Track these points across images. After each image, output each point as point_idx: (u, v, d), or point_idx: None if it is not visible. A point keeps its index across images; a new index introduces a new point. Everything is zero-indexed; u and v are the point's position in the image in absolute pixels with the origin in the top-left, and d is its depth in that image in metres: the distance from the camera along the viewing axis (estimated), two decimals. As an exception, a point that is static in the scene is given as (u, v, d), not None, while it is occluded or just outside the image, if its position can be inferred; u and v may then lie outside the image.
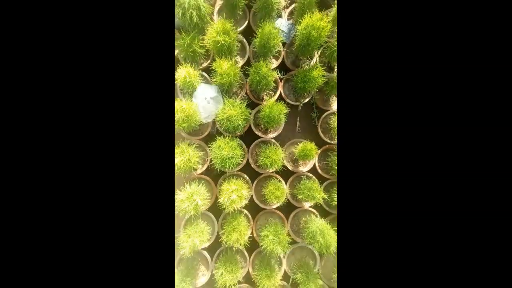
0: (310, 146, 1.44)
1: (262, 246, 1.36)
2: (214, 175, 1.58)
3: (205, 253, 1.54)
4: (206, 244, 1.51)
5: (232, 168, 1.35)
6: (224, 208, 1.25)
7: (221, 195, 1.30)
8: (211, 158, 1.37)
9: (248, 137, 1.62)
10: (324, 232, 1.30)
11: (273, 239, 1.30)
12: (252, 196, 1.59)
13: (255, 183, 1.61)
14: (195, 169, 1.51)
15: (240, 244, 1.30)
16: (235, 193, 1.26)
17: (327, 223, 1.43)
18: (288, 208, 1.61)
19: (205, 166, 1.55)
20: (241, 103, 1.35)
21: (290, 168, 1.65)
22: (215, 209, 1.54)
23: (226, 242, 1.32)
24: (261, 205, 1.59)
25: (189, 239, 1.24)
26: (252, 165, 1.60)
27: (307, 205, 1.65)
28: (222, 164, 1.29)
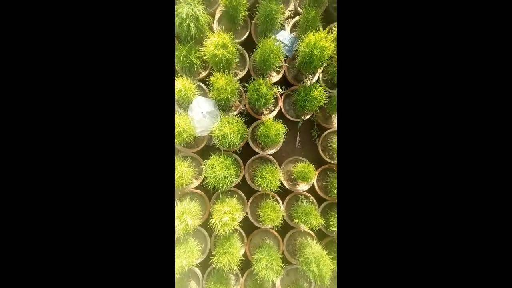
0: (309, 168, 1.38)
1: (254, 270, 1.31)
2: (208, 190, 1.54)
3: (196, 269, 1.49)
4: (198, 261, 1.47)
5: (226, 187, 1.30)
6: (217, 230, 1.21)
7: (213, 216, 1.25)
8: (204, 177, 1.32)
9: (246, 152, 1.57)
10: (319, 261, 1.25)
11: (266, 265, 1.25)
12: (247, 213, 1.54)
13: (250, 200, 1.56)
14: (187, 184, 1.47)
15: (231, 267, 1.25)
16: (227, 215, 1.21)
17: (323, 248, 1.38)
18: (284, 227, 1.56)
19: (199, 181, 1.51)
20: (238, 120, 1.30)
21: (287, 186, 1.59)
22: (208, 224, 1.49)
23: (217, 264, 1.27)
24: (256, 224, 1.54)
25: (177, 260, 1.20)
26: (248, 182, 1.55)
27: (303, 226, 1.59)
28: (216, 184, 1.24)
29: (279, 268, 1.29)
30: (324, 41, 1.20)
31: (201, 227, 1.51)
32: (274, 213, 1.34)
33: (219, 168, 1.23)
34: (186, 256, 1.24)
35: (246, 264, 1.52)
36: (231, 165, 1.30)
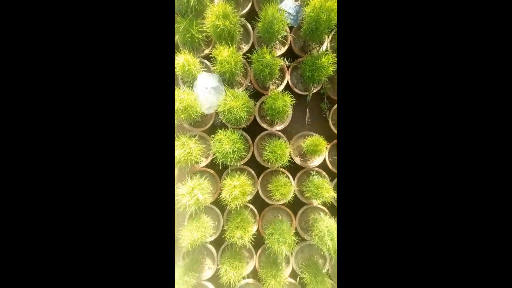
0: (319, 141, 1.33)
1: (267, 244, 1.31)
2: (218, 170, 1.53)
3: (210, 246, 1.51)
4: (212, 238, 1.48)
5: (235, 162, 1.28)
6: (227, 204, 1.21)
7: (223, 190, 1.24)
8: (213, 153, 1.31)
9: (253, 129, 1.54)
10: (333, 234, 1.22)
11: (278, 238, 1.24)
12: (258, 190, 1.52)
13: (261, 177, 1.54)
14: (198, 162, 1.47)
15: (243, 242, 1.25)
16: (238, 189, 1.20)
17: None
18: (296, 204, 1.53)
19: (209, 159, 1.50)
20: (243, 94, 1.27)
21: (298, 162, 1.55)
22: (221, 202, 1.50)
23: (230, 239, 1.27)
24: (268, 201, 1.53)
25: (190, 233, 1.21)
26: (258, 159, 1.53)
27: (316, 202, 1.56)
28: (224, 159, 1.23)
29: (291, 242, 1.27)
30: (331, 2, 1.13)
31: (214, 205, 1.51)
32: (285, 187, 1.32)
33: (227, 142, 1.21)
34: (198, 230, 1.25)
35: (259, 242, 1.52)
36: (238, 140, 1.28)
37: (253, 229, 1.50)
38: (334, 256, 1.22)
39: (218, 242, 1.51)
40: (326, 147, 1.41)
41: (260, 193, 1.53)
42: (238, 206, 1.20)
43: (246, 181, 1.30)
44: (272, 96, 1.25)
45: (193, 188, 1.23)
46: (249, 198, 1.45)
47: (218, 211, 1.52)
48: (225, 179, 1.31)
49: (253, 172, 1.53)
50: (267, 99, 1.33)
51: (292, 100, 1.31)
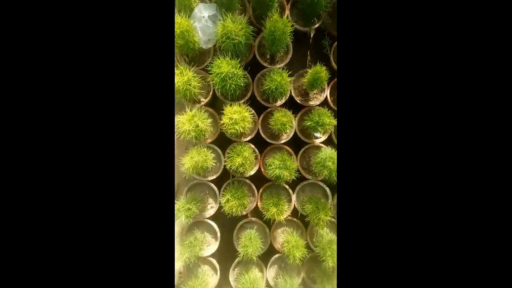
0: (322, 69, 1.30)
1: (268, 172, 1.30)
2: (218, 108, 1.52)
3: (212, 185, 1.52)
4: (214, 176, 1.49)
5: (233, 92, 1.27)
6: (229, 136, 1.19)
7: (223, 119, 1.23)
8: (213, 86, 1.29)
9: (253, 70, 1.52)
10: (335, 158, 1.20)
11: (279, 165, 1.23)
12: (258, 130, 1.51)
13: (261, 117, 1.53)
14: (198, 98, 1.46)
15: (244, 170, 1.25)
16: (237, 115, 1.19)
17: (338, 152, 1.32)
18: (297, 145, 1.52)
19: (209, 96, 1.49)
20: (241, 18, 1.24)
21: (299, 101, 1.53)
22: (221, 141, 1.50)
23: (230, 168, 1.27)
24: (269, 140, 1.52)
25: (191, 160, 1.21)
26: (258, 98, 1.51)
27: (318, 141, 1.54)
28: (223, 85, 1.21)
29: (293, 170, 1.27)
30: None
31: (214, 145, 1.51)
32: (285, 117, 1.30)
33: (225, 66, 1.19)
34: (199, 158, 1.24)
35: (261, 180, 1.52)
36: (237, 64, 1.24)
37: (255, 168, 1.50)
38: (335, 179, 1.21)
39: (220, 183, 1.52)
40: (326, 79, 1.37)
41: (261, 133, 1.52)
42: (238, 133, 1.19)
43: (245, 112, 1.29)
44: (272, 20, 1.21)
45: (193, 116, 1.22)
46: (248, 131, 1.43)
47: (220, 151, 1.52)
48: (225, 107, 1.28)
49: (253, 111, 1.52)
50: (265, 27, 1.30)
51: (291, 32, 1.28)
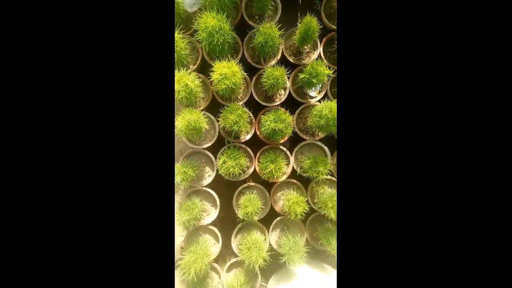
0: (312, 19, 1.25)
1: (263, 130, 1.27)
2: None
3: (208, 153, 1.49)
4: (209, 144, 1.46)
5: (221, 49, 1.23)
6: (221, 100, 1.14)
7: (212, 75, 1.19)
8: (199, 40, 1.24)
9: (241, 30, 1.47)
10: (332, 107, 1.17)
11: (274, 119, 1.20)
12: (251, 93, 1.48)
13: (253, 79, 1.49)
14: (187, 63, 1.41)
15: (239, 128, 1.21)
16: (227, 70, 1.15)
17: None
18: (292, 104, 1.49)
19: (198, 61, 1.45)
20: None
21: (292, 61, 1.49)
22: (213, 108, 1.46)
23: (224, 128, 1.24)
24: (263, 103, 1.48)
25: (183, 120, 1.17)
26: (249, 60, 1.47)
27: (313, 100, 1.50)
28: (210, 40, 1.17)
29: (289, 124, 1.24)
30: None
31: (208, 112, 1.47)
32: (277, 71, 1.26)
33: (211, 21, 1.15)
34: (192, 117, 1.19)
35: (257, 146, 1.49)
36: (224, 18, 1.20)
37: (251, 133, 1.47)
38: (334, 130, 1.18)
39: (216, 151, 1.49)
40: (318, 33, 1.32)
41: (254, 96, 1.49)
42: (228, 86, 1.15)
43: (235, 67, 1.24)
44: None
45: (181, 76, 1.18)
46: (242, 102, 1.39)
47: (213, 117, 1.48)
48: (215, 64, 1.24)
49: (245, 74, 1.48)
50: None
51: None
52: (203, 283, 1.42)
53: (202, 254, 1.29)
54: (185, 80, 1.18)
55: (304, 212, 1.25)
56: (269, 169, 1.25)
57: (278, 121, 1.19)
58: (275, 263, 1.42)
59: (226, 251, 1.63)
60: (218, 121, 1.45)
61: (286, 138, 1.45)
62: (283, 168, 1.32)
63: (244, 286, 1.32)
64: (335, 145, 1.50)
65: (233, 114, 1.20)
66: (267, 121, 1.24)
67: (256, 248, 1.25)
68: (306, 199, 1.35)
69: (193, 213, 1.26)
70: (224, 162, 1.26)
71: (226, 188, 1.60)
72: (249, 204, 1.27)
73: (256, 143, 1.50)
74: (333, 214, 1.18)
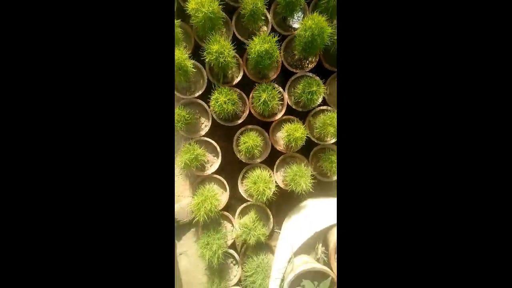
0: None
1: (251, 59, 1.23)
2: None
3: (201, 102, 1.46)
4: (199, 92, 1.43)
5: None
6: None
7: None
8: None
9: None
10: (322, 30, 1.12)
11: (258, 42, 1.15)
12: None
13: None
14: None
15: (224, 58, 1.17)
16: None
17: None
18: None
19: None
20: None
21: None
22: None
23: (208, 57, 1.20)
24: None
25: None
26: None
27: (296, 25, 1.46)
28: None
29: (275, 50, 1.20)
30: None
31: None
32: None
33: None
34: (180, 56, 1.16)
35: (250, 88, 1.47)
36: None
37: (241, 74, 1.44)
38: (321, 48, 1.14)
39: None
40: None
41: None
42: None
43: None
44: None
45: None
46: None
47: (200, 65, 1.45)
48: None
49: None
50: None
51: None
52: (216, 229, 1.43)
53: (210, 197, 1.29)
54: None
55: (304, 138, 1.24)
56: (262, 98, 1.22)
57: (265, 43, 1.15)
58: (285, 207, 1.41)
59: (236, 202, 1.64)
60: (204, 68, 1.42)
61: (276, 74, 1.43)
62: (277, 99, 1.29)
63: (257, 222, 1.33)
64: (325, 75, 1.47)
65: (216, 45, 1.16)
66: (252, 48, 1.19)
67: (262, 181, 1.24)
68: (304, 127, 1.33)
69: (193, 153, 1.25)
70: (217, 100, 1.24)
71: (225, 138, 1.59)
72: (248, 139, 1.26)
73: (248, 87, 1.47)
74: (332, 129, 1.17)
